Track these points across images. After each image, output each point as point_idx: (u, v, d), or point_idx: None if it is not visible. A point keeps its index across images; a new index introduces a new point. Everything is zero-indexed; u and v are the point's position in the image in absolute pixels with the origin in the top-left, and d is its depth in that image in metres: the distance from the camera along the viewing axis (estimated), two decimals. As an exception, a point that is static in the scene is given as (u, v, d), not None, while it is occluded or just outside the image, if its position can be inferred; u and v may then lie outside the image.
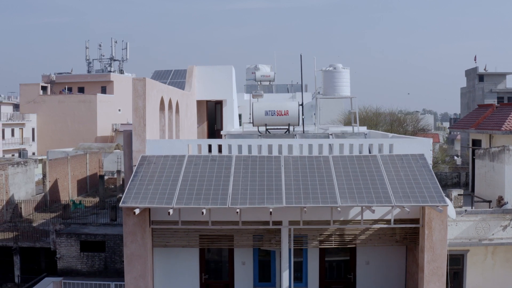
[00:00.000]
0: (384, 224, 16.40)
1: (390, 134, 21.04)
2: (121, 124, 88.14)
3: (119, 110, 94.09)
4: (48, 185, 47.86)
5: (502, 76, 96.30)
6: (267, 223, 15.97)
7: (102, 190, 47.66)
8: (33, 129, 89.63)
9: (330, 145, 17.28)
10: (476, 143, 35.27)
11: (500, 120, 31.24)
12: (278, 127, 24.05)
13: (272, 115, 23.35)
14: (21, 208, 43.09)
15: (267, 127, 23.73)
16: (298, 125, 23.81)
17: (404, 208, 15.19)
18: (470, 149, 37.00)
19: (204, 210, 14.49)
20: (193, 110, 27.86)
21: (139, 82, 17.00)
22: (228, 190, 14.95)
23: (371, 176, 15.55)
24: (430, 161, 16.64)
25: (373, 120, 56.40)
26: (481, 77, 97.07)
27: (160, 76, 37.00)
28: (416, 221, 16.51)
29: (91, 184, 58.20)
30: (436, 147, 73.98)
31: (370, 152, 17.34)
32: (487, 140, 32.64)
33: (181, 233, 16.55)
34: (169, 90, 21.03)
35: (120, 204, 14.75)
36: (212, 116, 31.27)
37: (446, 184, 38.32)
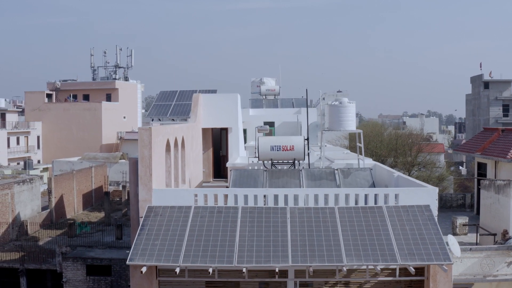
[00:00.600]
0: (389, 276, 16.42)
1: (396, 173, 21.01)
2: (126, 132, 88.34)
3: (124, 117, 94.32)
4: (54, 201, 47.97)
5: (507, 83, 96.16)
6: (273, 272, 16.02)
7: (108, 207, 47.73)
8: (38, 137, 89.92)
9: (336, 194, 17.33)
10: (482, 166, 35.31)
11: (505, 147, 31.25)
12: (284, 162, 24.08)
13: (277, 150, 23.39)
14: (27, 226, 43.24)
15: (273, 162, 23.78)
16: (304, 159, 23.84)
17: (409, 266, 15.22)
18: (476, 172, 37.05)
19: (210, 270, 14.56)
20: (198, 140, 27.93)
21: (145, 132, 17.09)
22: (235, 246, 15.02)
23: (376, 231, 15.60)
24: (435, 212, 16.68)
25: (378, 137, 56.25)
26: (486, 84, 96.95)
27: (165, 97, 37.13)
28: (421, 271, 16.55)
29: (97, 197, 58.33)
30: (441, 157, 73.88)
31: (376, 202, 17.38)
32: (492, 165, 32.67)
33: (188, 283, 16.62)
34: (174, 130, 21.10)
35: (128, 262, 14.83)
36: (217, 142, 31.34)
37: (451, 205, 38.36)
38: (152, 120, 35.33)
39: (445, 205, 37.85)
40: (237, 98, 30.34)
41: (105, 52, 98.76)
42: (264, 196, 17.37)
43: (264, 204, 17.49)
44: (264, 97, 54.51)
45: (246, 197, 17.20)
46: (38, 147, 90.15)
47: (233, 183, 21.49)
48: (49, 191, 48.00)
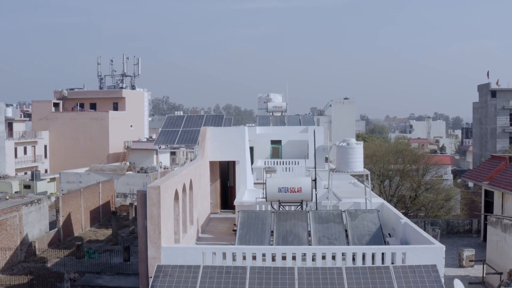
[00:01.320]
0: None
1: (403, 219, 21.10)
2: (133, 141, 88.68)
3: (131, 126, 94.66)
4: (61, 220, 48.23)
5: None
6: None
7: (115, 226, 47.97)
8: (45, 146, 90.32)
9: (343, 253, 17.44)
10: (489, 193, 35.35)
11: (512, 178, 31.30)
12: (291, 204, 24.18)
13: (285, 192, 23.47)
14: (34, 246, 43.50)
15: (281, 203, 23.89)
16: (311, 200, 23.95)
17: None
18: (482, 198, 37.13)
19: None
20: (206, 175, 28.07)
21: (153, 190, 17.25)
22: (243, 311, 15.13)
23: (384, 294, 15.69)
24: (442, 272, 16.76)
25: (385, 157, 56.24)
26: (493, 93, 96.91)
27: (173, 123, 37.31)
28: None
29: (104, 213, 58.62)
30: (448, 169, 73.85)
31: (383, 261, 17.46)
32: (499, 195, 32.71)
33: None
34: (182, 177, 21.23)
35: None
36: (225, 173, 31.48)
37: (458, 231, 38.42)
38: (160, 147, 35.49)
39: (451, 230, 37.92)
40: (244, 131, 30.48)
41: (111, 61, 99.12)
42: (272, 254, 17.51)
43: (272, 261, 17.63)
44: (271, 114, 54.74)
45: (254, 255, 17.33)
46: (45, 156, 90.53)
47: (241, 226, 21.64)
48: (56, 211, 48.26)
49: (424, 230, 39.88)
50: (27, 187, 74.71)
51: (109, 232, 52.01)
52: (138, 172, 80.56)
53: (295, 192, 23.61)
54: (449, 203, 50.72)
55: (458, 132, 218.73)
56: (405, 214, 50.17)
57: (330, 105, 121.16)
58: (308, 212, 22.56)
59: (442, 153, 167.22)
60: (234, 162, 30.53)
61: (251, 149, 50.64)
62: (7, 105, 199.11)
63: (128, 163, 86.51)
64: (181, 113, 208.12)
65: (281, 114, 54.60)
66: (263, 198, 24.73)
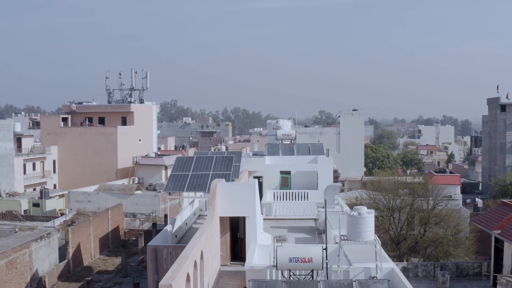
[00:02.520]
0: None
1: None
2: (142, 157, 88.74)
3: (140, 140, 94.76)
4: (71, 252, 48.32)
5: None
6: None
7: (124, 259, 48.05)
8: (54, 161, 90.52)
9: None
10: (499, 241, 35.19)
11: (523, 231, 31.13)
12: (302, 273, 24.13)
13: (296, 261, 23.43)
14: (45, 281, 43.60)
15: (291, 273, 23.84)
16: (322, 269, 23.88)
17: None
18: (492, 245, 36.96)
19: None
20: (216, 234, 28.05)
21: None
22: None
23: None
24: None
25: (395, 190, 55.96)
26: (503, 107, 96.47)
27: (182, 166, 37.23)
28: None
29: (113, 238, 58.72)
30: (457, 189, 73.54)
31: None
32: (509, 246, 32.55)
33: None
34: (194, 256, 21.20)
35: None
36: (235, 225, 31.38)
37: (468, 274, 38.30)
38: (170, 194, 35.45)
39: (461, 273, 37.82)
40: (254, 186, 30.39)
41: (120, 74, 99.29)
42: None
43: None
44: (280, 141, 54.73)
45: None
46: (54, 172, 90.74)
47: (252, 298, 21.65)
48: (66, 242, 48.33)
49: (434, 274, 39.78)
50: (36, 205, 75.08)
51: (118, 260, 52.05)
52: (147, 188, 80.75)
53: (306, 262, 23.56)
54: (459, 237, 50.41)
55: (467, 138, 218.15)
56: (413, 250, 50.03)
57: (339, 116, 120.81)
58: (319, 282, 22.51)
59: (451, 161, 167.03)
60: (244, 217, 30.49)
61: (260, 178, 50.65)
62: (16, 113, 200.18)
63: (136, 178, 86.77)
64: (189, 120, 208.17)
65: (291, 142, 54.57)
66: (273, 266, 24.64)
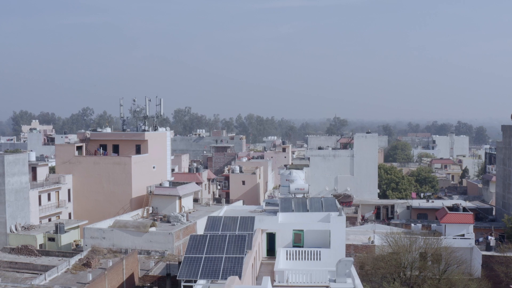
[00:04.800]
0: None
1: None
2: (156, 186, 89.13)
3: (154, 167, 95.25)
4: (86, 309, 48.75)
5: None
6: None
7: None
8: (68, 190, 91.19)
9: None
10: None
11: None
12: None
13: None
14: None
15: None
16: None
17: None
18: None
19: None
20: None
21: None
22: None
23: None
24: None
25: (408, 253, 55.93)
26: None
27: (196, 246, 37.57)
28: None
29: (128, 287, 59.07)
30: (470, 228, 73.47)
31: None
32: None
33: None
34: None
35: None
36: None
37: None
38: (184, 281, 35.70)
39: None
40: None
41: (134, 100, 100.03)
42: None
43: None
44: (293, 195, 55.02)
45: None
46: (69, 200, 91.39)
47: None
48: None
49: None
50: (51, 239, 75.89)
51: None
52: (161, 219, 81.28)
53: None
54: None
55: (482, 152, 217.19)
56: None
57: (352, 138, 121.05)
58: None
59: (465, 176, 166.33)
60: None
61: (273, 235, 50.93)
62: (31, 130, 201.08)
63: (151, 208, 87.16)
64: (203, 132, 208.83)
65: (303, 195, 54.79)
66: None
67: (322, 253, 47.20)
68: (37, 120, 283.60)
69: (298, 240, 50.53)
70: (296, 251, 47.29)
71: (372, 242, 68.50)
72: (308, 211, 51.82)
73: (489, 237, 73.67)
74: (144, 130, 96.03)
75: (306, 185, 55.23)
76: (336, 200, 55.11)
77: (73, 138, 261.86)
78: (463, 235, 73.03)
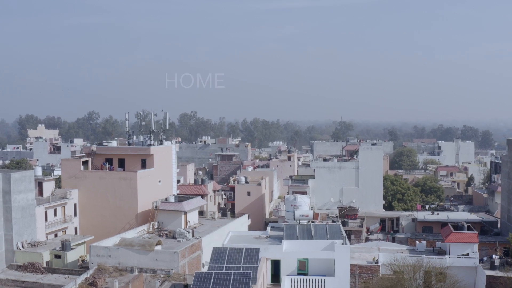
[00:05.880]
0: None
1: None
2: (161, 202, 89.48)
3: (159, 181, 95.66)
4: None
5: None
6: None
7: None
8: (75, 205, 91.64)
9: None
10: None
11: None
12: None
13: None
14: None
15: None
16: None
17: None
18: None
19: None
20: None
21: None
22: None
23: None
24: None
25: (413, 280, 56.16)
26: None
27: (201, 284, 37.80)
28: None
29: (133, 309, 59.47)
30: (475, 247, 73.71)
31: None
32: None
33: None
34: None
35: None
36: None
37: None
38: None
39: None
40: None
41: (140, 114, 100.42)
42: None
43: None
44: (298, 222, 55.28)
45: None
46: (75, 215, 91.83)
47: None
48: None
49: None
50: (57, 256, 76.29)
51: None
52: (167, 235, 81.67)
53: None
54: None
55: (487, 158, 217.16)
56: None
57: (358, 151, 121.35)
58: None
59: (471, 184, 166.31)
60: None
61: (278, 262, 51.21)
62: (37, 138, 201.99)
63: (156, 223, 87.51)
64: (209, 139, 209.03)
65: (308, 222, 55.09)
66: None
67: (326, 282, 47.51)
68: (43, 125, 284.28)
69: (302, 268, 50.80)
70: (300, 279, 47.62)
71: (377, 262, 68.70)
72: (312, 238, 52.09)
73: (494, 256, 73.86)
74: (150, 145, 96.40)
75: (311, 211, 55.52)
76: (340, 226, 55.37)
77: (79, 142, 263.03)
78: (467, 254, 73.22)
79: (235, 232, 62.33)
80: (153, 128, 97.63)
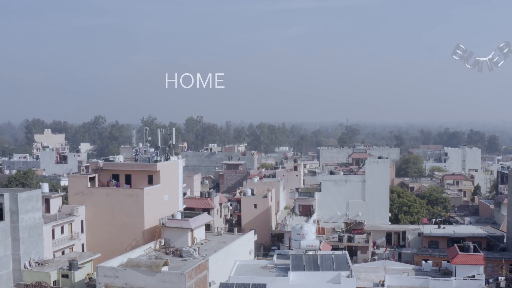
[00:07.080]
0: None
1: None
2: (168, 219, 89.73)
3: (166, 197, 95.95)
4: None
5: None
6: None
7: None
8: (81, 221, 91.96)
9: None
10: None
11: None
12: None
13: None
14: None
15: None
16: None
17: None
18: None
19: None
20: None
21: None
22: None
23: None
24: None
25: None
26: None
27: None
28: None
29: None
30: (481, 269, 73.74)
31: None
32: None
33: None
34: None
35: None
36: None
37: None
38: None
39: None
40: None
41: (146, 129, 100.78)
42: None
43: None
44: (304, 252, 55.46)
45: None
46: (82, 231, 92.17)
47: None
48: None
49: None
50: (65, 276, 76.61)
51: None
52: (173, 253, 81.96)
53: None
54: None
55: (494, 160, 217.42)
56: None
57: (364, 164, 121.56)
58: None
59: (477, 193, 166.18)
60: None
61: (285, 293, 51.44)
62: (44, 148, 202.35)
63: (163, 240, 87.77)
64: (215, 146, 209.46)
65: (314, 252, 55.24)
66: None
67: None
68: (49, 130, 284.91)
69: (309, 299, 51.05)
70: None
71: (383, 285, 68.82)
72: (319, 268, 52.27)
73: (500, 278, 73.99)
74: (156, 161, 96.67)
75: (317, 241, 55.69)
76: (347, 255, 55.53)
77: (85, 147, 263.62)
78: (473, 276, 73.26)
79: (241, 261, 62.55)
80: (159, 144, 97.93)
